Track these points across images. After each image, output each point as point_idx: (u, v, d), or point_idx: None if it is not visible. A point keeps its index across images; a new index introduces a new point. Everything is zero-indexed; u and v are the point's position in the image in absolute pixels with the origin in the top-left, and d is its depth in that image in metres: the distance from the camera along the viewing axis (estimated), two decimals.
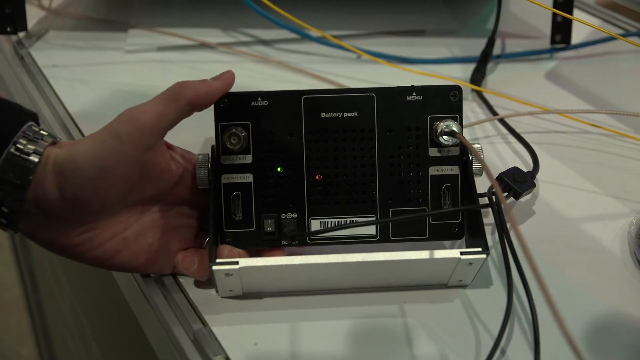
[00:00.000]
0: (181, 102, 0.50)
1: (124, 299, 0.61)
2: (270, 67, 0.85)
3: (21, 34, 0.89)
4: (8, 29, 0.86)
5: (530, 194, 0.62)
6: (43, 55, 0.86)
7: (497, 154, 0.69)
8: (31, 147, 0.49)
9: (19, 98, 0.83)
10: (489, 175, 0.48)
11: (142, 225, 0.53)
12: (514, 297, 0.53)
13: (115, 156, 0.49)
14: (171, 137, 0.55)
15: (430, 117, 0.53)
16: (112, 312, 0.80)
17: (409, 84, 0.54)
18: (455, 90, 0.53)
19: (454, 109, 0.54)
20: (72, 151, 0.50)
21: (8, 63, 0.86)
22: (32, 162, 0.49)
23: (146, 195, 0.53)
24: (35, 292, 1.40)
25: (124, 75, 0.82)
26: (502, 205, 0.46)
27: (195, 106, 0.51)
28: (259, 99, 0.53)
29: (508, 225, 0.59)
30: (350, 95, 0.53)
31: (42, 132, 0.51)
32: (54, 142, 0.51)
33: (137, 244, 0.53)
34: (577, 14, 0.99)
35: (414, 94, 0.53)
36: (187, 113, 0.51)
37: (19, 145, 0.49)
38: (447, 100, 0.53)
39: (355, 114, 0.53)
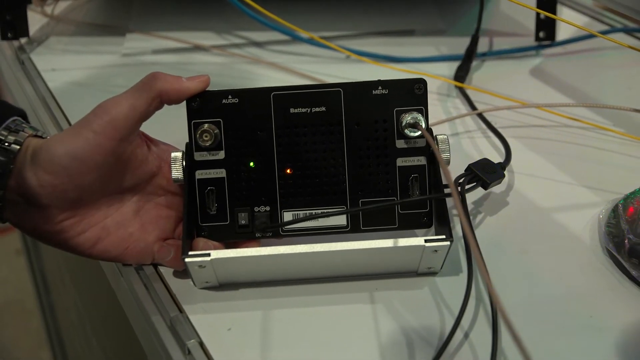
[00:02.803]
0: (151, 92, 0.52)
1: (114, 292, 0.63)
2: (262, 68, 0.87)
3: (23, 40, 0.93)
4: (9, 35, 0.90)
5: (503, 185, 0.64)
6: (43, 60, 0.89)
7: (475, 148, 0.70)
8: (12, 137, 0.53)
9: (20, 102, 0.86)
10: (443, 167, 0.50)
11: (122, 214, 0.56)
12: (481, 282, 0.55)
13: (88, 146, 0.51)
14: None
15: (396, 110, 0.55)
16: (106, 306, 0.83)
17: None
18: (420, 84, 0.55)
19: (419, 101, 0.55)
20: (48, 141, 0.53)
21: (10, 68, 0.89)
22: (12, 151, 0.52)
23: (125, 185, 0.55)
24: (47, 296, 1.42)
25: (121, 78, 0.85)
26: (454, 196, 0.48)
27: (164, 99, 0.53)
28: (230, 96, 0.55)
29: (480, 216, 0.62)
30: (318, 91, 0.55)
31: (23, 125, 0.54)
32: (37, 135, 0.54)
33: (117, 233, 0.55)
34: (566, 11, 1.00)
35: (380, 87, 0.55)
36: (158, 105, 0.53)
37: (0, 137, 0.52)
38: (412, 93, 0.55)
39: (324, 108, 0.55)
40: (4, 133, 0.53)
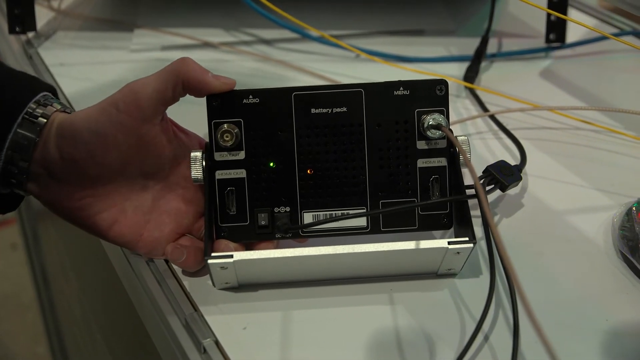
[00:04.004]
0: (174, 76, 0.53)
1: (124, 289, 0.63)
2: (271, 66, 0.87)
3: (30, 34, 0.92)
4: (17, 29, 0.89)
5: (518, 187, 0.64)
6: (51, 54, 0.89)
7: (488, 149, 0.71)
8: (39, 111, 0.54)
9: None
10: (470, 167, 0.50)
11: (142, 200, 0.56)
12: (500, 285, 0.55)
13: (111, 123, 0.52)
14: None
15: (417, 111, 0.55)
16: (114, 302, 0.82)
17: None
18: (441, 85, 0.55)
19: (441, 102, 0.55)
20: (73, 115, 0.54)
21: (17, 62, 0.89)
22: (39, 124, 0.53)
23: (147, 170, 0.55)
24: (47, 290, 1.42)
25: (129, 74, 0.85)
26: (481, 197, 0.48)
27: (185, 87, 0.53)
28: (250, 96, 0.55)
29: (495, 217, 0.62)
30: (339, 92, 0.55)
31: (52, 100, 0.55)
32: (64, 111, 0.55)
33: (134, 217, 0.55)
34: (574, 13, 1.00)
35: (401, 88, 0.55)
36: (180, 91, 0.54)
37: (29, 110, 0.53)
38: (433, 94, 0.55)
39: (345, 109, 0.55)
40: (33, 106, 0.54)
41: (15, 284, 1.90)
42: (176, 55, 0.88)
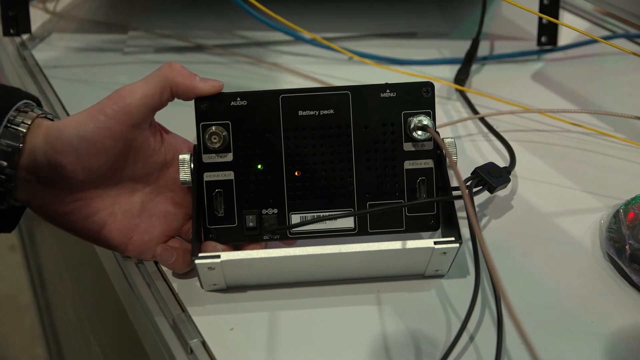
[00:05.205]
0: (162, 82, 0.53)
1: (114, 290, 0.63)
2: (264, 68, 0.88)
3: (25, 36, 0.93)
4: (11, 31, 0.90)
5: (507, 189, 0.64)
6: (45, 56, 0.89)
7: (478, 151, 0.71)
8: (20, 118, 0.54)
9: None
10: (454, 168, 0.50)
11: (131, 204, 0.56)
12: (486, 285, 0.55)
13: (99, 128, 0.53)
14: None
15: (404, 113, 0.56)
16: (105, 303, 0.83)
17: None
18: (428, 87, 0.55)
19: (427, 104, 0.55)
20: (61, 122, 0.54)
21: (12, 64, 0.89)
22: (21, 131, 0.53)
23: (136, 174, 0.56)
24: (43, 292, 1.42)
25: (122, 76, 0.85)
26: (465, 197, 0.48)
27: (173, 92, 0.54)
28: (238, 99, 0.55)
29: (485, 219, 0.62)
30: (326, 94, 0.55)
31: (33, 106, 0.55)
32: (46, 117, 0.55)
33: (123, 221, 0.56)
34: (568, 16, 1.01)
35: (388, 91, 0.55)
36: (169, 96, 0.54)
37: (10, 117, 0.53)
38: (419, 97, 0.55)
39: (332, 111, 0.55)
40: (14, 114, 0.54)
41: (13, 286, 1.90)
42: (169, 57, 0.89)
